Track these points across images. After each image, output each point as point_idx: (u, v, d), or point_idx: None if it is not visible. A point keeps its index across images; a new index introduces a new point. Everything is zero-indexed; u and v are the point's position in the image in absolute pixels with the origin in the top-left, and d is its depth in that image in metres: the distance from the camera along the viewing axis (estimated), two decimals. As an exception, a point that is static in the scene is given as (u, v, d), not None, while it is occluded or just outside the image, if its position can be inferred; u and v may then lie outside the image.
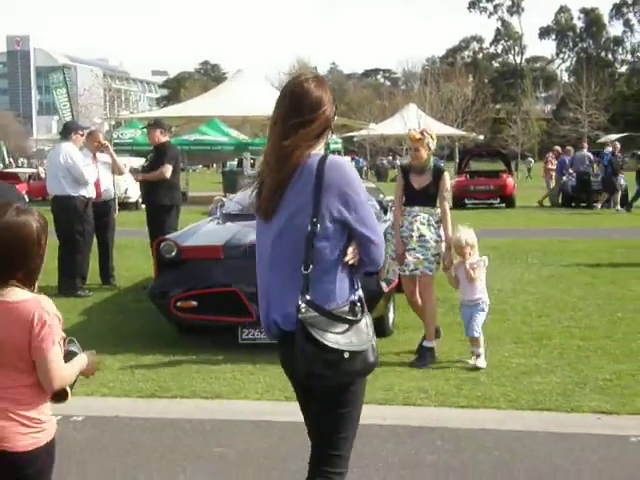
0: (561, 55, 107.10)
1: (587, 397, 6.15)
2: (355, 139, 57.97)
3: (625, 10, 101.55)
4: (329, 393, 3.26)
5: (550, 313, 9.25)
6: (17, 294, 3.04)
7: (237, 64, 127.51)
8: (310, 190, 3.15)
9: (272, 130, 3.29)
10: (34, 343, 3.01)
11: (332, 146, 30.35)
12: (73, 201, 10.68)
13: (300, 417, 5.59)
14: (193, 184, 36.51)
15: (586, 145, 30.01)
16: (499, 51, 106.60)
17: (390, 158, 62.77)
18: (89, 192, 10.87)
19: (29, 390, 3.07)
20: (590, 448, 5.28)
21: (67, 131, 11.08)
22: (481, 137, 55.97)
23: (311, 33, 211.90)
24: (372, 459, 5.09)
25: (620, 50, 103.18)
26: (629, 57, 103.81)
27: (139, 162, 19.73)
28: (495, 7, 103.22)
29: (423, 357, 7.27)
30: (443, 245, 7.31)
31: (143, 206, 24.98)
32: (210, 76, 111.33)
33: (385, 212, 9.68)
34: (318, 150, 3.26)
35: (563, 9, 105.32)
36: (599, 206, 24.99)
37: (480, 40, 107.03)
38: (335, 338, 3.11)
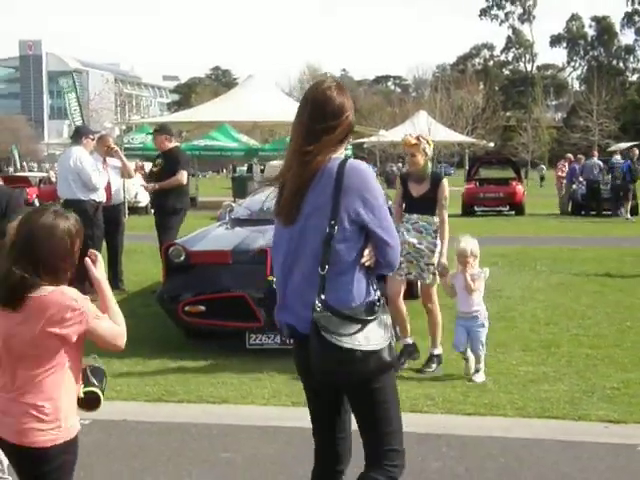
0: (572, 63, 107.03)
1: (595, 405, 6.14)
2: (365, 145, 57.96)
3: (637, 18, 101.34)
4: (355, 391, 3.35)
5: (559, 321, 9.23)
6: (44, 290, 3.12)
7: (248, 70, 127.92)
8: (329, 192, 3.22)
9: (295, 136, 3.35)
10: (74, 327, 3.10)
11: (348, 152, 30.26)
12: (83, 205, 10.69)
13: (307, 423, 5.60)
14: (203, 189, 36.59)
15: (596, 153, 29.97)
16: (510, 59, 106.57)
17: (400, 165, 62.74)
18: (99, 196, 10.90)
19: (49, 387, 3.14)
20: (597, 457, 5.26)
21: (78, 135, 11.12)
22: (491, 144, 55.94)
23: (322, 39, 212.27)
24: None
25: (631, 59, 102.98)
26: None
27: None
28: (506, 15, 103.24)
29: (429, 364, 7.26)
30: (437, 255, 7.23)
31: (152, 211, 25.09)
32: (221, 82, 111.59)
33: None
34: (339, 154, 3.34)
35: (574, 17, 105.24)
36: (628, 215, 24.47)
37: (491, 47, 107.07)
38: (348, 338, 3.17)
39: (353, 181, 3.24)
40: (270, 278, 7.65)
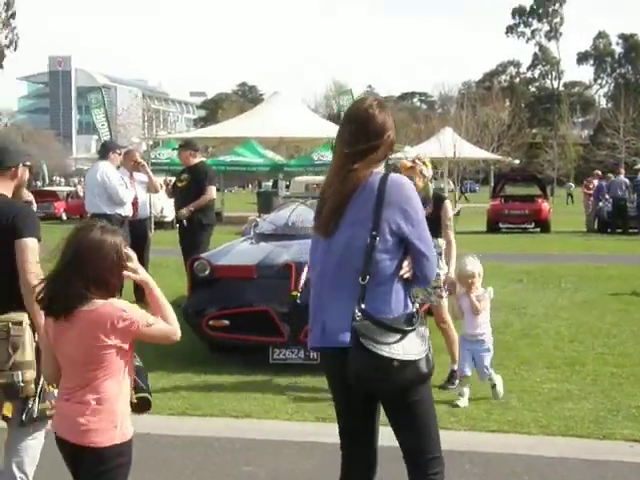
0: (599, 80, 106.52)
1: (620, 424, 6.09)
2: (390, 162, 58.04)
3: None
4: (394, 402, 3.40)
5: (583, 339, 9.18)
6: (95, 303, 3.25)
7: (274, 86, 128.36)
8: (371, 205, 3.31)
9: (337, 154, 3.46)
10: (125, 336, 3.24)
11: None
12: (109, 219, 10.73)
13: (329, 438, 5.61)
14: (228, 204, 36.72)
15: (623, 171, 29.81)
16: (536, 76, 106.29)
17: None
18: (125, 210, 10.98)
19: (105, 391, 3.28)
20: (622, 476, 5.23)
21: (105, 150, 11.21)
22: (517, 161, 55.77)
23: (347, 56, 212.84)
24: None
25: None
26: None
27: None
28: (533, 32, 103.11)
29: (450, 381, 7.23)
30: (442, 277, 7.10)
31: (177, 225, 25.16)
32: (247, 97, 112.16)
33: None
34: (380, 169, 3.44)
35: (602, 34, 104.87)
36: None
37: (517, 64, 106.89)
38: (387, 347, 3.23)
39: (394, 194, 3.34)
40: (294, 293, 7.69)
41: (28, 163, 4.48)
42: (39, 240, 4.26)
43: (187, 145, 11.32)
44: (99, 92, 27.12)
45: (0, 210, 4.20)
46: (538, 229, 27.44)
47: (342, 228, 3.36)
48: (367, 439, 3.56)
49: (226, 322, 7.79)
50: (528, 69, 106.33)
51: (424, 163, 7.20)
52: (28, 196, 9.66)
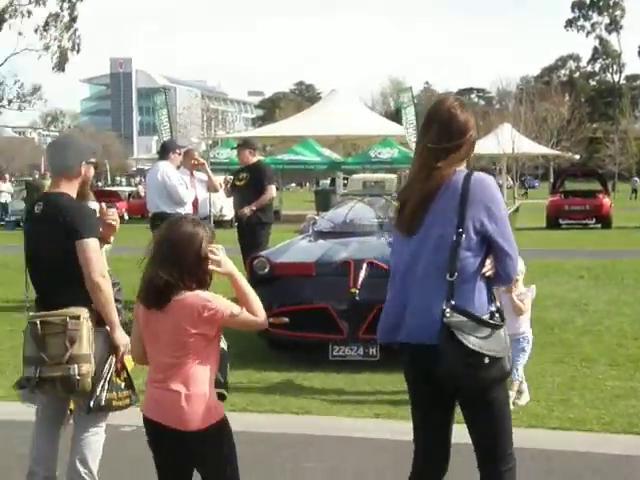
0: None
1: (684, 422, 6.00)
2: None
3: None
4: (476, 398, 3.43)
5: (647, 336, 9.04)
6: (183, 294, 3.40)
7: (330, 84, 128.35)
8: (456, 203, 3.36)
9: (420, 154, 3.50)
10: (211, 324, 3.39)
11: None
12: (169, 218, 10.90)
13: (389, 434, 5.65)
14: (286, 203, 36.88)
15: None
16: (597, 69, 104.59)
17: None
18: (185, 209, 11.09)
19: (201, 372, 3.44)
20: (687, 474, 5.15)
21: (165, 150, 11.31)
22: (577, 157, 55.02)
23: (404, 53, 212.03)
24: (462, 478, 5.07)
25: None
26: None
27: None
28: (593, 25, 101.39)
29: None
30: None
31: (236, 224, 25.22)
32: (304, 96, 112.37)
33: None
34: (462, 167, 3.48)
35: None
36: None
37: (577, 58, 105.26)
38: (478, 342, 3.29)
39: (479, 192, 3.38)
40: (353, 290, 7.72)
41: (92, 160, 4.53)
42: (99, 239, 4.36)
43: (246, 144, 11.40)
44: (162, 94, 27.41)
45: (59, 209, 4.31)
46: (599, 225, 27.04)
47: (426, 226, 3.41)
48: (443, 434, 3.59)
49: (286, 319, 7.84)
50: (588, 63, 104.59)
51: None
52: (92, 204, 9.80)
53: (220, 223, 27.30)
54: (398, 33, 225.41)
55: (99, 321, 4.30)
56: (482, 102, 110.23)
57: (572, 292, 12.02)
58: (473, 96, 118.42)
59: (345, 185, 33.91)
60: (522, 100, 57.22)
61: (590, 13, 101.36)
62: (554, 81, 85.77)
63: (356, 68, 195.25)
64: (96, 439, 4.39)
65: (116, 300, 4.39)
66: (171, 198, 10.89)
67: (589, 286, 12.75)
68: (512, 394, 6.42)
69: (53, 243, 4.29)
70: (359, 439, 5.93)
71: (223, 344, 3.66)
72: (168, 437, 3.45)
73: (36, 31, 41.73)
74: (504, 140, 42.74)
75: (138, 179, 49.66)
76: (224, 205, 27.04)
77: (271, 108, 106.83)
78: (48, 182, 31.16)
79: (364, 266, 7.90)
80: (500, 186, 51.19)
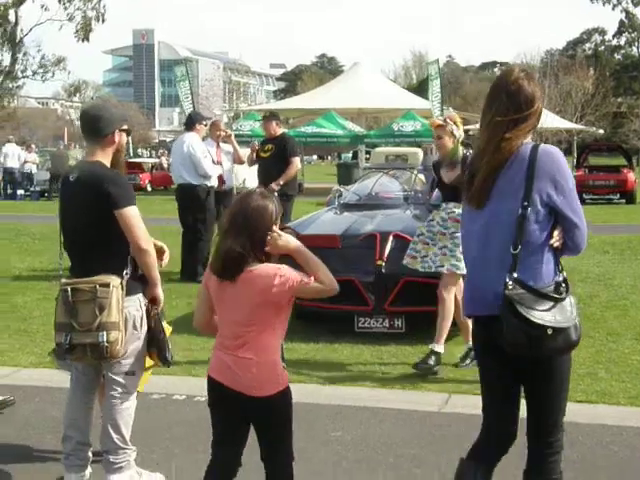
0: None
1: None
2: (471, 132, 57.36)
3: None
4: (539, 368, 3.46)
5: (673, 311, 9.02)
6: (254, 265, 3.54)
7: (352, 57, 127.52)
8: (522, 176, 3.38)
9: (489, 124, 3.51)
10: (283, 293, 3.51)
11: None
12: (195, 190, 10.96)
13: (415, 405, 5.69)
14: (308, 175, 36.87)
15: None
16: (622, 43, 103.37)
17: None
18: (211, 182, 11.15)
19: (271, 341, 3.57)
20: None
21: (191, 122, 11.35)
22: (601, 131, 54.51)
23: (427, 25, 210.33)
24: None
25: None
26: None
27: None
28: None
29: (425, 360, 6.75)
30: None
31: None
32: (327, 69, 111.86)
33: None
34: (528, 139, 3.50)
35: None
36: None
37: (602, 32, 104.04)
38: (540, 315, 3.32)
39: (546, 165, 3.39)
40: (379, 263, 7.74)
41: (125, 127, 4.55)
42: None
43: (273, 116, 11.41)
44: (184, 65, 27.32)
45: (95, 178, 4.34)
46: (623, 200, 26.88)
47: (494, 198, 3.44)
48: (508, 408, 3.62)
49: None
50: (614, 37, 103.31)
51: (455, 123, 6.93)
52: None
53: (243, 195, 27.32)
54: (421, 5, 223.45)
55: (129, 290, 4.35)
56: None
57: (597, 267, 11.99)
58: (496, 69, 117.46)
59: (367, 159, 33.80)
60: (546, 74, 56.70)
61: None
62: (579, 55, 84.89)
63: (378, 41, 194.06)
64: (127, 405, 4.46)
65: None
66: (196, 170, 10.95)
67: (614, 261, 12.71)
68: None
69: (87, 211, 4.33)
70: (385, 409, 5.98)
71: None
72: (233, 400, 3.59)
73: (60, 1, 41.69)
74: (528, 114, 42.37)
75: (161, 151, 49.69)
76: (247, 177, 27.02)
77: (293, 81, 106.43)
78: (72, 152, 31.33)
79: (390, 239, 7.92)
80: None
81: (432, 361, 6.72)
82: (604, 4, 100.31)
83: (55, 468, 4.75)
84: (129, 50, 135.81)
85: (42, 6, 41.67)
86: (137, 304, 4.39)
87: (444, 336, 6.83)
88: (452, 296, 6.83)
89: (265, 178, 11.20)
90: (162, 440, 5.33)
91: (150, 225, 11.52)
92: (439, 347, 6.79)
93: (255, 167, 11.53)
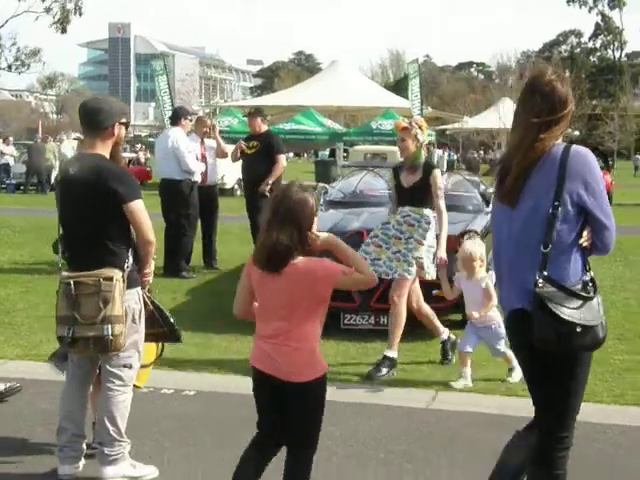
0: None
1: (693, 395, 6.10)
2: (447, 132, 57.62)
3: None
4: (564, 364, 3.53)
5: (653, 311, 9.14)
6: (298, 257, 3.66)
7: (330, 54, 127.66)
8: (554, 176, 3.45)
9: (523, 124, 3.56)
10: (326, 284, 3.68)
11: (427, 138, 30.24)
12: (179, 185, 10.95)
13: (401, 402, 5.75)
14: (286, 173, 36.71)
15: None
16: (598, 46, 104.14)
17: (482, 152, 62.16)
18: (195, 176, 11.14)
19: (311, 329, 3.72)
20: (697, 445, 5.25)
21: (176, 116, 11.34)
22: (576, 133, 54.95)
23: (404, 25, 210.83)
24: (478, 445, 5.21)
25: None
26: None
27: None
28: (595, 1, 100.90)
29: (378, 368, 6.72)
30: (431, 248, 6.84)
31: (238, 192, 25.18)
32: (304, 66, 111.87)
33: (487, 204, 9.69)
34: (559, 140, 3.56)
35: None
36: None
37: (579, 34, 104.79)
38: (569, 312, 3.40)
39: (577, 166, 3.46)
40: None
41: (123, 120, 4.56)
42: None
43: (258, 112, 11.41)
44: (162, 59, 27.31)
45: (99, 172, 4.36)
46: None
47: (525, 197, 3.50)
48: (548, 399, 3.66)
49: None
50: (590, 39, 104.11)
51: (420, 127, 6.88)
52: None
53: (222, 191, 27.27)
54: (398, 3, 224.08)
55: (129, 283, 4.37)
56: (481, 76, 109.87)
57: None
58: (473, 70, 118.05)
59: (345, 157, 33.84)
60: (523, 75, 57.00)
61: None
62: (555, 57, 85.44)
63: (356, 40, 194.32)
64: (124, 398, 4.48)
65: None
66: (180, 165, 10.94)
67: (593, 261, 12.76)
68: (514, 364, 6.36)
69: (92, 205, 4.35)
70: (372, 405, 6.04)
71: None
72: (274, 387, 3.74)
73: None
74: (506, 114, 42.72)
75: (139, 146, 49.51)
76: (225, 173, 26.97)
77: (270, 77, 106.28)
78: (49, 146, 31.05)
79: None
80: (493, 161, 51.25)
81: (385, 368, 6.70)
82: (580, 7, 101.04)
83: (49, 460, 4.76)
84: (105, 43, 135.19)
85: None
86: (136, 297, 4.42)
87: (397, 341, 6.80)
88: (404, 300, 6.79)
89: (250, 174, 11.24)
90: (152, 433, 5.35)
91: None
92: (392, 352, 6.77)
93: (236, 163, 11.56)
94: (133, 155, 39.73)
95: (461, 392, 6.35)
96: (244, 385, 6.36)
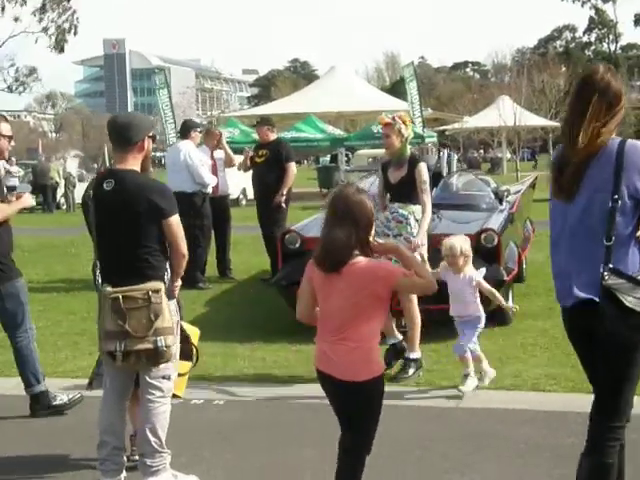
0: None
1: None
2: (447, 132, 57.60)
3: None
4: (623, 353, 3.56)
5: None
6: (358, 258, 3.68)
7: (325, 61, 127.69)
8: (611, 170, 3.51)
9: (579, 120, 3.60)
10: (386, 285, 3.69)
11: (427, 139, 30.31)
12: (191, 197, 10.98)
13: (427, 402, 5.75)
14: (289, 180, 36.75)
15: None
16: (592, 40, 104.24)
17: (481, 152, 62.19)
18: (207, 188, 11.18)
19: (370, 330, 3.75)
20: None
21: (186, 129, 11.36)
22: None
23: (397, 28, 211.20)
24: (511, 441, 5.25)
25: None
26: None
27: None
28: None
29: (405, 370, 6.72)
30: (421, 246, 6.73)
31: (244, 202, 25.14)
32: (300, 74, 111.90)
33: (500, 202, 9.73)
34: (614, 134, 3.62)
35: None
36: None
37: (573, 29, 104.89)
38: (637, 302, 3.46)
39: (633, 158, 3.51)
40: (384, 263, 7.81)
41: (151, 133, 4.62)
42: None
43: (265, 121, 11.46)
44: (162, 73, 27.39)
45: (138, 188, 4.41)
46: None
47: (582, 192, 3.56)
48: (604, 390, 3.71)
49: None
50: (584, 33, 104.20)
51: (404, 122, 6.79)
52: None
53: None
54: (391, 5, 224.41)
55: (168, 295, 4.43)
56: (477, 75, 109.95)
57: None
58: (468, 69, 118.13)
59: (347, 161, 33.89)
60: (519, 72, 56.99)
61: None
62: (550, 52, 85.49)
63: (350, 44, 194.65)
64: (164, 409, 4.52)
65: None
66: (193, 178, 10.98)
67: None
68: (470, 370, 6.28)
69: (133, 219, 4.40)
70: (403, 407, 6.06)
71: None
72: (338, 387, 3.78)
73: (34, 13, 41.55)
74: (505, 112, 42.66)
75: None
76: (230, 184, 27.00)
77: (266, 86, 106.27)
78: (54, 165, 31.07)
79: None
80: (500, 159, 51.12)
81: (411, 369, 6.71)
82: (574, 1, 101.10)
83: (90, 474, 4.80)
84: (100, 60, 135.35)
85: (15, 19, 41.57)
86: (174, 309, 4.47)
87: (417, 342, 6.78)
88: (414, 299, 6.65)
89: (260, 184, 11.28)
90: (189, 443, 5.36)
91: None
92: (415, 354, 6.74)
93: (241, 173, 11.66)
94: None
95: (488, 389, 6.37)
96: (271, 392, 6.48)
